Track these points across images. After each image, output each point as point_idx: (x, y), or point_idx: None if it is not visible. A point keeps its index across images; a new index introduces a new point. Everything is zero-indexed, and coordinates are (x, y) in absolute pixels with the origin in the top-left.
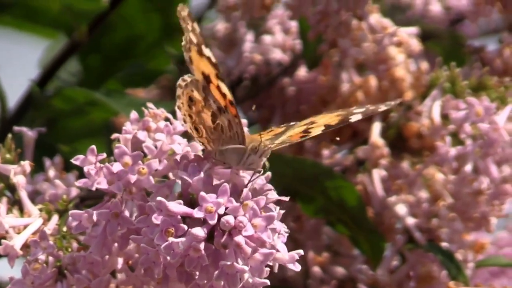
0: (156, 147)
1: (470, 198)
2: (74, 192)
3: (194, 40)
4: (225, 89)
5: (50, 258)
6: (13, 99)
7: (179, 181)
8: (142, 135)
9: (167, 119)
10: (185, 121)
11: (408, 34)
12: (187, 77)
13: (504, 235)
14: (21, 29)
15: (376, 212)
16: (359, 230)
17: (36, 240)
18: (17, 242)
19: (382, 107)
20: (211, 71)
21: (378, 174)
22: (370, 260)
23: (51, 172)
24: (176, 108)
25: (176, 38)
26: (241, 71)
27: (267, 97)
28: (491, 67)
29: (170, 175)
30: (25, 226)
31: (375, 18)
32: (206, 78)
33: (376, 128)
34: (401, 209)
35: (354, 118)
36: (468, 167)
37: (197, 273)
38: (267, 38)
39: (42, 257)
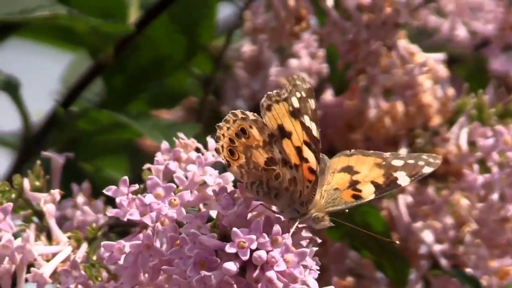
0: (186, 177)
1: (497, 225)
2: (102, 219)
3: (296, 105)
4: (310, 156)
5: (80, 287)
6: (32, 110)
7: (212, 212)
8: (173, 165)
9: (197, 149)
10: (218, 139)
11: (435, 60)
12: (249, 113)
13: None
14: (42, 42)
15: (401, 237)
16: (384, 255)
17: (67, 269)
18: (46, 270)
19: (424, 166)
20: (299, 135)
21: (403, 199)
22: (394, 285)
23: (80, 199)
24: (217, 130)
25: (200, 58)
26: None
27: None
28: None
29: (201, 206)
30: (54, 254)
31: (403, 44)
32: (283, 132)
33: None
34: (426, 234)
35: (401, 180)
36: (495, 195)
37: None
38: (293, 62)
39: (72, 286)
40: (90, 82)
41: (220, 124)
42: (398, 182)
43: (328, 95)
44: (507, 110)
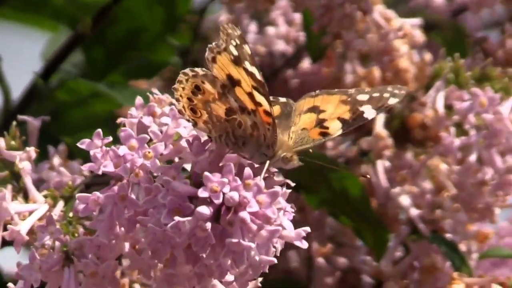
0: (161, 132)
1: (474, 189)
2: (79, 179)
3: (235, 53)
4: (262, 99)
5: (57, 243)
6: (15, 92)
7: (187, 165)
8: (147, 120)
9: (171, 104)
10: (178, 101)
11: (412, 25)
12: (198, 69)
13: (505, 225)
14: (22, 21)
15: (380, 203)
16: (363, 222)
17: (43, 225)
18: (23, 227)
19: (389, 98)
20: (247, 81)
21: (382, 165)
22: (373, 251)
23: (56, 160)
24: (174, 92)
25: (179, 30)
26: None
27: (270, 88)
28: (493, 58)
29: (176, 159)
30: (31, 212)
31: (379, 9)
32: (232, 81)
33: (380, 119)
34: (405, 200)
35: (367, 113)
36: (473, 158)
37: (204, 253)
38: (270, 30)
39: (48, 242)
40: (69, 53)
41: (175, 85)
42: (365, 115)
43: (306, 63)
44: (484, 74)
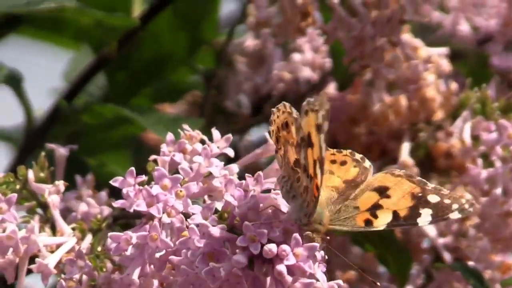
0: (191, 169)
1: (499, 220)
2: (106, 210)
3: (320, 121)
4: (319, 173)
5: (84, 277)
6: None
7: (218, 204)
8: (178, 157)
9: (202, 141)
10: (271, 124)
11: (439, 54)
12: (294, 111)
13: None
14: (43, 39)
15: (404, 231)
16: (386, 249)
17: (72, 259)
18: (51, 261)
19: (455, 211)
20: (316, 150)
21: None
22: (396, 278)
23: (84, 190)
24: (271, 115)
25: (202, 53)
26: (270, 89)
27: None
28: None
29: (206, 198)
30: (58, 245)
31: (407, 38)
32: (310, 142)
33: (406, 147)
34: (429, 228)
35: (422, 219)
36: (499, 190)
37: None
38: (296, 56)
39: (77, 276)
40: (93, 76)
41: (274, 109)
42: (418, 220)
43: (331, 89)
44: (510, 104)
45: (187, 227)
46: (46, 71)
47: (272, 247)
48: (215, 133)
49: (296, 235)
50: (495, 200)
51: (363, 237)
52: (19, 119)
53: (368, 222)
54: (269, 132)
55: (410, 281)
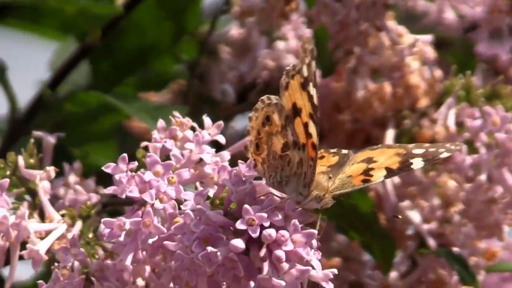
0: (182, 155)
1: (484, 206)
2: (95, 198)
3: (305, 73)
4: (313, 130)
5: (76, 264)
6: (20, 101)
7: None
8: (169, 144)
9: (192, 128)
10: (248, 133)
11: (423, 41)
12: (273, 98)
13: None
14: (28, 31)
15: (388, 217)
16: (371, 236)
17: (66, 247)
18: (42, 247)
19: (443, 152)
20: (307, 108)
21: (391, 181)
22: (381, 265)
23: (71, 178)
24: (249, 118)
25: (185, 43)
26: (255, 77)
27: None
28: (504, 75)
29: (197, 184)
30: (47, 231)
31: (391, 24)
32: (295, 110)
33: (390, 134)
34: (413, 214)
35: (415, 164)
36: (483, 176)
37: (224, 284)
38: (280, 44)
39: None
40: (77, 64)
41: (251, 114)
42: (412, 166)
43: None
44: (495, 91)
45: (179, 213)
46: (31, 63)
47: (272, 231)
48: (206, 120)
49: (295, 221)
50: (479, 186)
51: (348, 225)
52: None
53: (365, 181)
54: (245, 147)
55: (395, 267)
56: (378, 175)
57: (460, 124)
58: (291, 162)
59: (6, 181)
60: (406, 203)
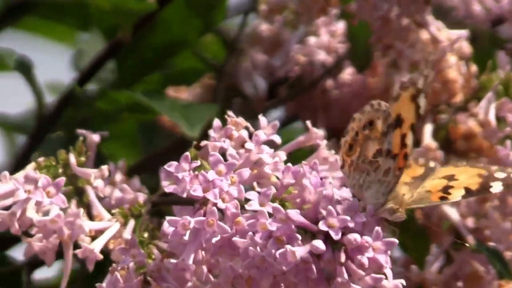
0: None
1: None
2: (141, 196)
3: (420, 85)
4: (410, 141)
5: (131, 265)
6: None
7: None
8: (227, 143)
9: (247, 128)
10: (346, 133)
11: (459, 36)
12: (383, 104)
13: None
14: (40, 33)
15: (424, 212)
16: (405, 233)
17: (125, 248)
18: (97, 246)
19: None
20: (410, 119)
21: None
22: (415, 260)
23: (117, 176)
24: (352, 118)
25: (207, 41)
26: (286, 71)
27: (309, 98)
28: None
29: (254, 184)
30: (98, 230)
31: (431, 20)
32: (398, 121)
33: (428, 130)
34: (450, 209)
35: (494, 188)
36: None
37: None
38: (312, 40)
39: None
40: (106, 61)
41: (355, 115)
42: (491, 189)
43: (346, 74)
44: None
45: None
46: (43, 66)
47: (356, 236)
48: (262, 119)
49: (378, 228)
50: None
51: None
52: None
53: (443, 198)
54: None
55: (431, 262)
56: (456, 194)
57: (500, 119)
58: (379, 169)
59: (62, 180)
60: None
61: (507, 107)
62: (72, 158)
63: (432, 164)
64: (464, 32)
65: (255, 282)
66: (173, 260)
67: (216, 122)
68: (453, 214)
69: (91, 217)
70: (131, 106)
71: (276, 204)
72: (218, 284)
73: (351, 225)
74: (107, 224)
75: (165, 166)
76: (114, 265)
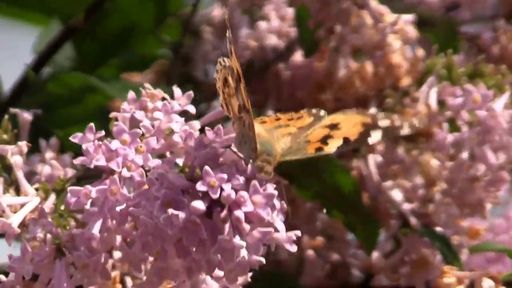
0: (153, 126)
1: (466, 184)
2: (71, 172)
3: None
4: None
5: (48, 236)
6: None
7: (179, 160)
8: (139, 114)
9: (164, 99)
10: (217, 94)
11: (405, 21)
12: (226, 60)
13: (500, 222)
14: (12, 16)
15: (371, 197)
16: (354, 215)
17: (35, 218)
18: (14, 220)
19: (405, 129)
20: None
21: (373, 159)
22: (364, 245)
23: (47, 153)
24: (216, 84)
25: (169, 24)
26: (237, 57)
27: (261, 82)
28: (487, 54)
29: (168, 154)
30: (22, 205)
31: (373, 4)
32: (238, 75)
33: None
34: (396, 194)
35: (373, 138)
36: (465, 154)
37: (194, 248)
38: (262, 24)
39: (40, 235)
40: (60, 47)
41: (215, 75)
42: (369, 139)
43: (298, 57)
44: (477, 70)
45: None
46: (14, 49)
47: (231, 192)
48: (176, 90)
49: (255, 182)
50: (461, 164)
51: (331, 204)
52: None
53: (319, 149)
54: (221, 106)
55: (379, 247)
56: (332, 145)
57: (442, 103)
58: (245, 125)
59: None
60: (388, 182)
61: (447, 90)
62: None
63: (322, 112)
64: (409, 16)
65: (157, 249)
66: (80, 229)
67: (131, 94)
68: (398, 198)
69: (20, 194)
70: (84, 90)
71: (162, 171)
72: (132, 253)
73: (229, 184)
74: (26, 199)
75: (70, 138)
76: (26, 235)
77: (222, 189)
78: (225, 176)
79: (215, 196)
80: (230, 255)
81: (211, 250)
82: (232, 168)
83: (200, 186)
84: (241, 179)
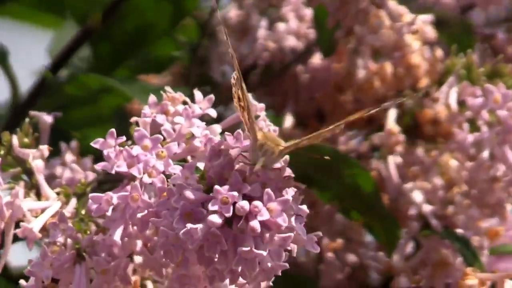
0: (174, 130)
1: (486, 185)
2: (91, 176)
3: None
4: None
5: (69, 241)
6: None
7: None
8: (160, 118)
9: (185, 103)
10: (233, 97)
11: (423, 21)
12: (234, 75)
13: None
14: (24, 18)
15: (391, 198)
16: (374, 217)
17: (55, 223)
18: (35, 225)
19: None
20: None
21: (393, 160)
22: (385, 247)
23: (68, 157)
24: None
25: (184, 24)
26: (255, 58)
27: (280, 84)
28: (503, 55)
29: (189, 158)
30: (43, 210)
31: (391, 4)
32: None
33: (392, 115)
34: (416, 195)
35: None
36: (485, 154)
37: (216, 257)
38: (281, 26)
39: (60, 239)
40: (77, 48)
41: (232, 85)
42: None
43: (316, 59)
44: (496, 70)
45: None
46: (27, 53)
47: (244, 204)
48: (197, 94)
49: (268, 190)
50: (481, 164)
51: (350, 206)
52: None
53: None
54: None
55: (399, 249)
56: None
57: (462, 103)
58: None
59: None
60: (409, 184)
61: (467, 91)
62: (15, 139)
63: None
64: (427, 17)
65: (179, 259)
66: (101, 236)
67: (152, 98)
68: (419, 199)
69: (40, 197)
70: (101, 91)
71: (180, 182)
72: (154, 258)
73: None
74: (47, 203)
75: (92, 143)
76: (46, 240)
77: (235, 202)
78: (235, 194)
79: (228, 214)
80: (253, 265)
81: (233, 261)
82: (238, 177)
83: (212, 206)
84: (249, 187)
